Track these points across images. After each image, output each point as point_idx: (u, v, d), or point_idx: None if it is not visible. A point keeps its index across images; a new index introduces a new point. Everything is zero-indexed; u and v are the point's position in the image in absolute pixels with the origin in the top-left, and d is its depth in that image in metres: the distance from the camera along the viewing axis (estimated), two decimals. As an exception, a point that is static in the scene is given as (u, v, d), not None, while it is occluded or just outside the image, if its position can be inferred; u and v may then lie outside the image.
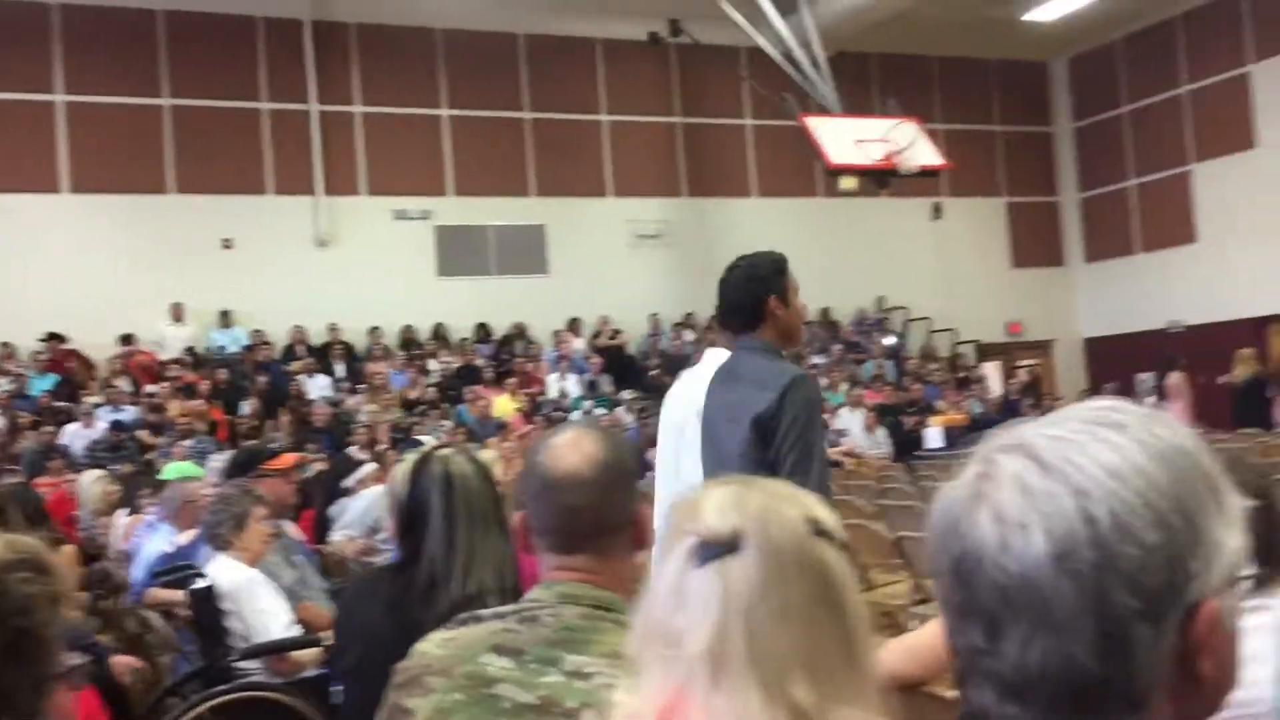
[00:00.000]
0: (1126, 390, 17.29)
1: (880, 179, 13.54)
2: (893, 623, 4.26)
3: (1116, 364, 17.96)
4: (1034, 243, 19.46)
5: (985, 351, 18.15)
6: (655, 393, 15.51)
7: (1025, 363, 18.63)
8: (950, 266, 18.27)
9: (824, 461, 2.97)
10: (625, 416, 13.87)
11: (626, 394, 14.76)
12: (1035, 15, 16.96)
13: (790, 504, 1.06)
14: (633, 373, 15.79)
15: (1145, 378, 17.31)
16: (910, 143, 13.35)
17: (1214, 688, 0.79)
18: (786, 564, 1.00)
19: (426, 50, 16.11)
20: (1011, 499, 0.79)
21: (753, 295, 3.19)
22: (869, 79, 17.62)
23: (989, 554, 0.79)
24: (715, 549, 1.00)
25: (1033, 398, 16.62)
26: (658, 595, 1.02)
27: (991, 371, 17.55)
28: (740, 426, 2.95)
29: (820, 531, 1.04)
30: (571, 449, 1.60)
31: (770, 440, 2.91)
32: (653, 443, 14.03)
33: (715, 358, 3.48)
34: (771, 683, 0.96)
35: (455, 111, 16.25)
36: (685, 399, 3.52)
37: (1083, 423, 0.82)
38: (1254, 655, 1.73)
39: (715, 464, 3.07)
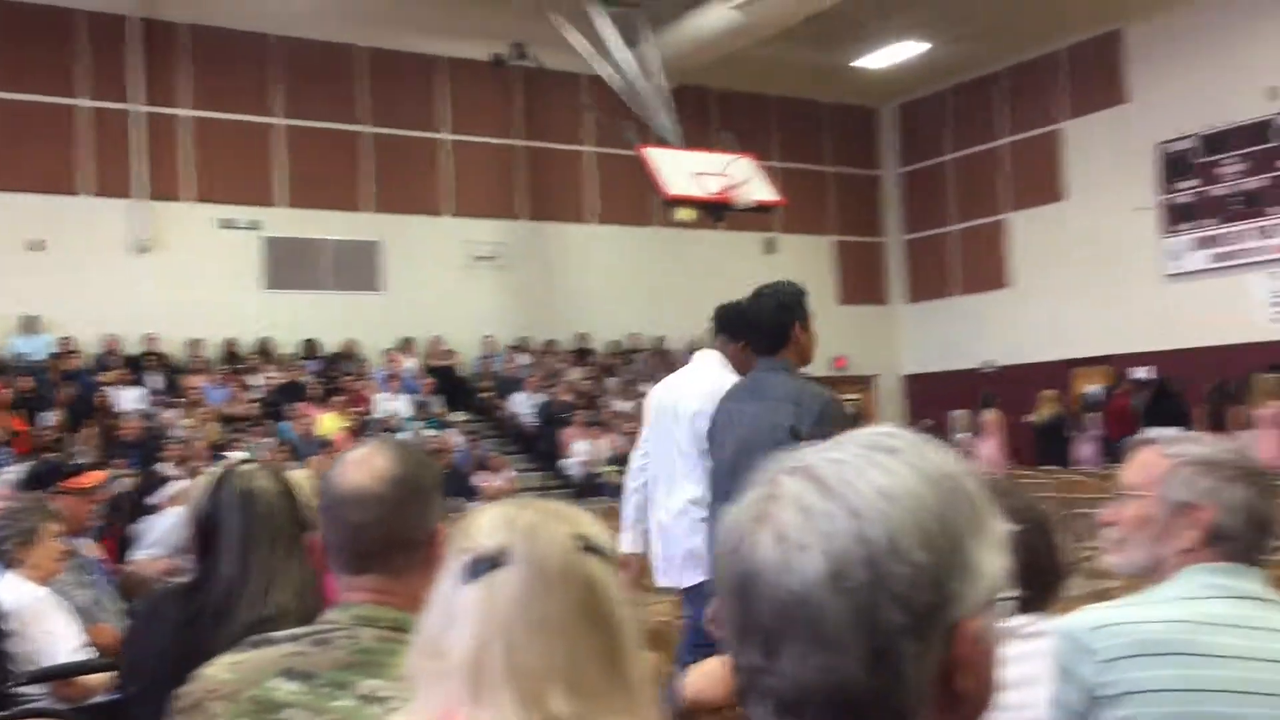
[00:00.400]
0: (941, 426, 18.06)
1: (716, 212, 13.82)
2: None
3: (933, 400, 18.72)
4: (860, 281, 20.17)
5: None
6: (486, 415, 15.41)
7: (849, 397, 19.24)
8: (781, 300, 18.74)
9: None
10: (455, 438, 13.69)
11: (457, 415, 14.58)
12: (866, 63, 17.66)
13: (560, 520, 1.07)
14: (464, 394, 15.62)
15: (960, 414, 18.11)
16: (746, 178, 13.68)
17: (974, 703, 0.82)
18: (550, 578, 1.02)
19: (261, 56, 15.67)
20: (793, 519, 0.80)
21: (781, 321, 3.51)
22: (708, 114, 18.00)
23: (770, 573, 0.80)
24: (482, 565, 1.02)
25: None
26: (431, 613, 1.03)
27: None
28: (774, 438, 3.00)
29: (589, 547, 1.05)
30: (360, 465, 1.56)
31: None
32: (482, 465, 13.90)
33: (705, 359, 4.13)
34: (528, 695, 0.97)
35: (289, 121, 15.84)
36: (671, 396, 4.12)
37: (861, 447, 0.84)
38: (1029, 678, 1.80)
39: (735, 469, 3.26)
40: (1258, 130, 15.37)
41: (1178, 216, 16.33)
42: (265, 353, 14.95)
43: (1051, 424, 14.43)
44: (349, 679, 1.45)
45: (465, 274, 16.67)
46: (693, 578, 3.94)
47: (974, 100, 19.10)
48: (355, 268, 15.96)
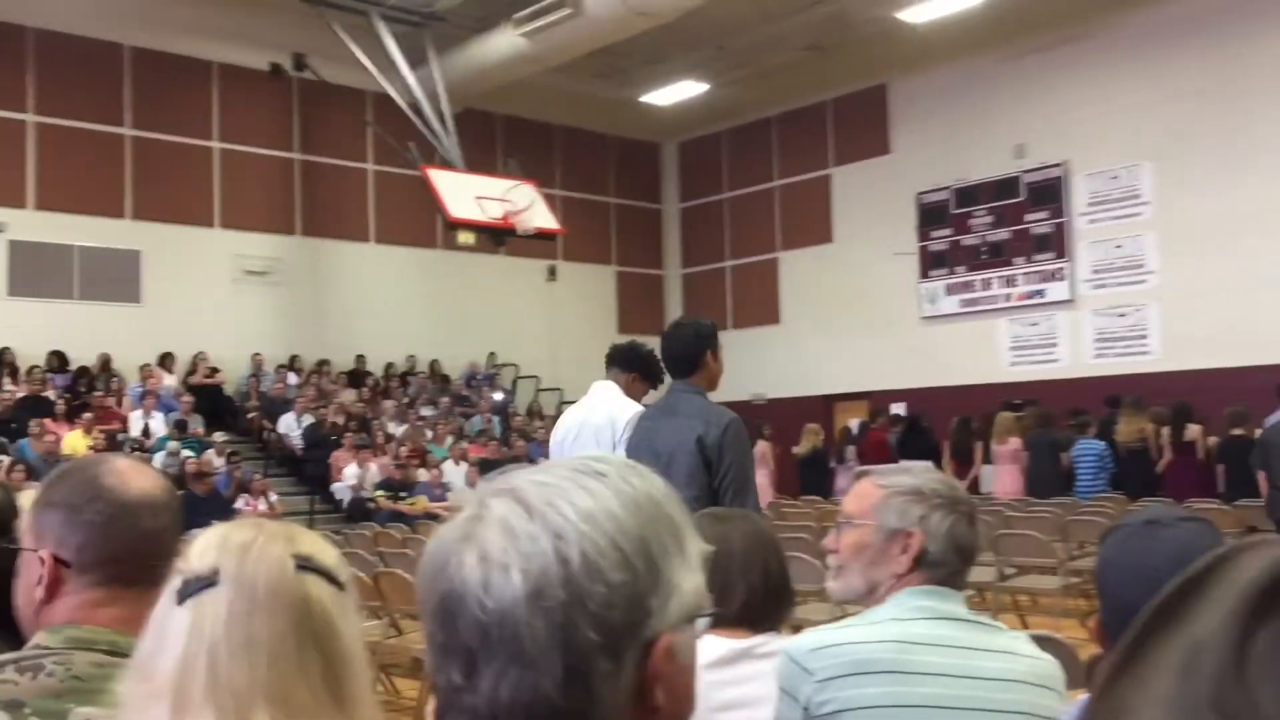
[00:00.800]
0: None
1: (498, 237, 13.80)
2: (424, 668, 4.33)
3: (706, 430, 19.19)
4: (639, 311, 20.53)
5: (589, 412, 18.81)
6: (251, 436, 14.80)
7: (625, 425, 19.52)
8: (561, 328, 18.88)
9: (755, 486, 3.86)
10: (216, 460, 13.09)
11: (219, 436, 13.94)
12: (650, 99, 18.08)
13: (279, 540, 1.06)
14: (228, 414, 14.96)
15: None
16: (529, 205, 13.73)
17: (668, 717, 0.85)
18: (258, 598, 1.01)
19: (16, 49, 14.65)
20: (497, 540, 0.82)
21: (697, 349, 4.02)
22: (493, 138, 18.00)
23: (472, 593, 0.82)
24: (192, 586, 1.01)
25: (629, 458, 17.39)
26: (146, 636, 1.01)
27: (593, 432, 18.21)
28: (685, 448, 3.75)
29: (307, 566, 1.04)
30: (138, 473, 1.49)
31: (713, 466, 3.74)
32: (244, 488, 13.26)
33: (604, 389, 4.74)
34: (231, 715, 0.96)
35: (44, 119, 14.85)
36: (575, 421, 4.71)
37: (570, 471, 0.87)
38: (761, 697, 1.89)
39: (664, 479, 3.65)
40: (1005, 186, 16.59)
41: (933, 263, 17.42)
42: (6, 364, 13.90)
43: (814, 456, 15.04)
44: (62, 707, 1.37)
45: (234, 289, 16.02)
46: None
47: (750, 142, 19.84)
48: (112, 277, 15.05)
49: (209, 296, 15.63)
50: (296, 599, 1.03)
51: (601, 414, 4.65)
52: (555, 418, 18.16)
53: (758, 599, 1.99)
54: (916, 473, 1.96)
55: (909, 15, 14.93)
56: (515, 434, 16.44)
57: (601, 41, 15.01)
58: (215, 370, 15.26)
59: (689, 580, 0.88)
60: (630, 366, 4.83)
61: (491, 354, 18.32)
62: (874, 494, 1.93)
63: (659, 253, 21.26)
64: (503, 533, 0.82)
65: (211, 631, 0.99)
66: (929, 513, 1.89)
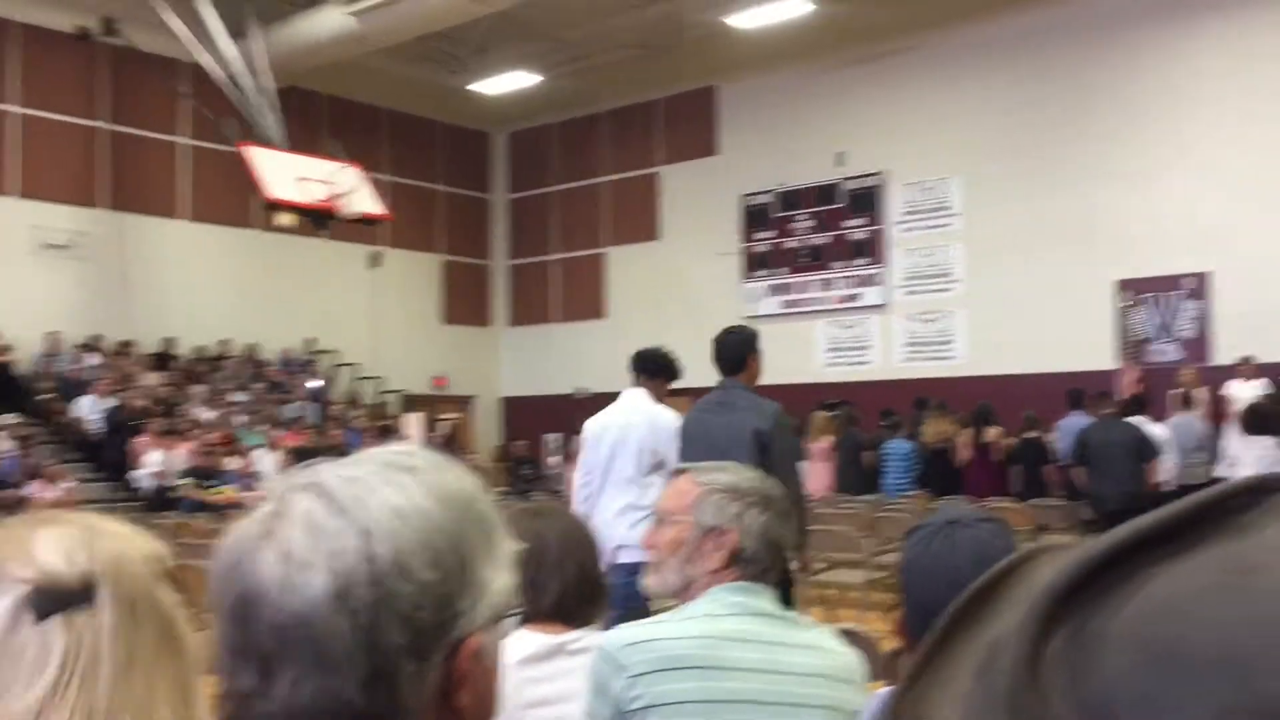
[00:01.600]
0: (535, 448, 18.52)
1: (319, 220, 13.41)
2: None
3: (529, 423, 19.17)
4: (465, 301, 20.32)
5: (410, 402, 18.53)
6: (45, 419, 13.95)
7: (447, 416, 19.28)
8: (383, 315, 18.50)
9: (798, 466, 4.76)
10: (4, 443, 12.29)
11: (8, 418, 13.10)
12: (480, 88, 17.89)
13: (135, 544, 0.97)
14: (19, 394, 14.07)
15: (553, 437, 18.66)
16: (353, 188, 13.39)
17: (471, 719, 0.83)
18: (138, 612, 0.92)
19: None
20: (299, 537, 0.78)
21: (742, 351, 5.02)
22: (318, 118, 17.47)
23: (270, 593, 0.78)
24: (61, 600, 0.89)
25: (451, 450, 17.23)
26: None
27: (414, 422, 17.93)
28: (742, 439, 4.54)
29: (160, 572, 0.97)
30: None
31: (767, 450, 4.51)
32: (36, 474, 12.55)
33: (633, 396, 5.43)
34: None
35: None
36: (616, 423, 5.30)
37: (378, 465, 0.83)
38: (572, 693, 1.88)
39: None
40: (826, 192, 17.12)
41: (756, 264, 17.83)
42: None
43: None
44: None
45: (31, 261, 15.06)
46: (623, 557, 4.84)
47: (581, 136, 19.87)
48: (-109, 245, 13.96)
49: (3, 269, 14.66)
50: (164, 610, 0.95)
51: (639, 426, 5.28)
52: (374, 406, 17.98)
53: (572, 595, 1.98)
54: (733, 470, 2.00)
55: (738, 21, 15.22)
56: (332, 422, 16.01)
57: (434, 26, 14.76)
58: (7, 348, 14.32)
59: (498, 579, 0.86)
60: (656, 374, 5.58)
61: (309, 340, 17.80)
62: (691, 491, 1.95)
63: (486, 243, 21.07)
64: (306, 529, 0.79)
65: (91, 652, 0.88)
66: (744, 510, 1.92)
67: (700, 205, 18.24)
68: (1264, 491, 0.51)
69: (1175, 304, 14.15)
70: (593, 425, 5.44)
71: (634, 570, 4.62)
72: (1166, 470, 9.76)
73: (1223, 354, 13.35)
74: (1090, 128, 14.57)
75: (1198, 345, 13.92)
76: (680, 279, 18.31)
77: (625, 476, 5.25)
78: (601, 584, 2.08)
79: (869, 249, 16.74)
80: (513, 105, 18.76)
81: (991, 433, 12.38)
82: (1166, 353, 14.13)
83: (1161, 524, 0.51)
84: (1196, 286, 13.96)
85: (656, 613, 1.97)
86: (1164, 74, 14.11)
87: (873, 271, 16.69)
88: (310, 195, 12.96)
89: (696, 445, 4.78)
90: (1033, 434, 11.89)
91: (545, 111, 19.46)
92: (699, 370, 18.93)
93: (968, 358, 15.54)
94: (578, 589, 1.98)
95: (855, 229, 16.85)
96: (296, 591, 0.77)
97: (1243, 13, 13.57)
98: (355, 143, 15.69)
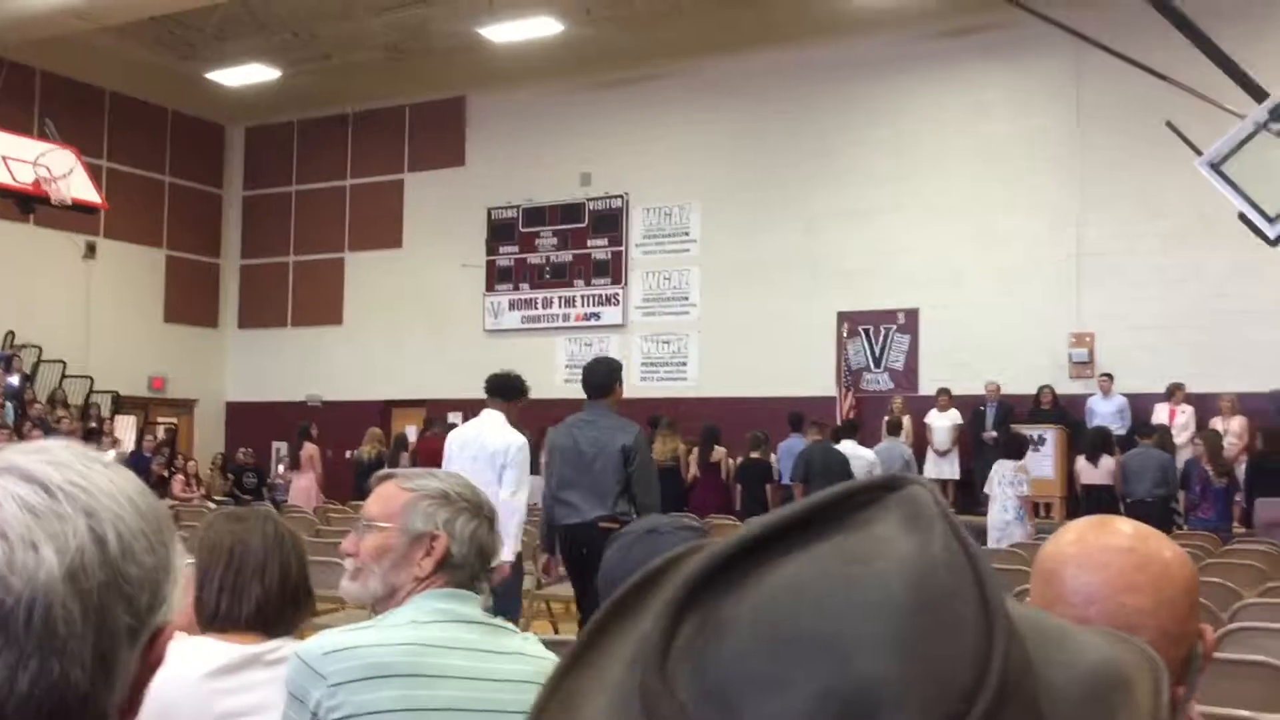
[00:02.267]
0: (262, 456, 17.76)
1: (26, 204, 12.43)
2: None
3: (256, 430, 18.36)
4: (190, 300, 19.27)
5: (123, 404, 17.36)
6: None
7: (164, 420, 18.20)
8: (98, 311, 17.30)
9: (656, 476, 5.86)
10: None
11: None
12: (217, 77, 17.06)
13: None
14: None
15: (280, 445, 17.95)
16: (67, 172, 12.48)
17: (132, 712, 0.81)
18: None
19: None
20: (17, 518, 0.74)
21: (610, 379, 5.84)
22: (31, 96, 16.20)
23: None
24: None
25: (166, 455, 16.27)
26: None
27: (126, 425, 16.82)
28: (611, 453, 5.53)
29: None
30: None
31: (629, 462, 5.51)
32: None
33: (489, 415, 6.10)
34: None
35: None
36: (474, 439, 6.05)
37: (66, 452, 0.81)
38: (264, 706, 1.82)
39: (586, 476, 5.59)
40: (571, 210, 17.33)
41: (499, 277, 17.82)
42: None
43: (373, 462, 14.81)
44: None
45: None
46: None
47: (324, 136, 19.28)
48: None
49: None
50: None
51: (493, 441, 5.94)
52: (83, 408, 16.72)
53: (273, 602, 1.91)
54: (442, 477, 1.98)
55: (489, 33, 15.22)
56: (31, 423, 14.78)
57: (166, 8, 13.99)
58: None
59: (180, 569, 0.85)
60: (509, 396, 6.16)
61: (9, 333, 16.39)
62: (399, 496, 1.92)
63: (217, 240, 20.07)
64: (22, 509, 0.74)
65: None
66: (454, 516, 1.91)
67: (445, 215, 18.07)
68: (887, 489, 0.57)
69: (888, 337, 15.16)
70: (455, 438, 6.24)
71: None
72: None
73: (926, 385, 14.41)
74: (821, 167, 15.43)
75: (906, 376, 14.96)
76: (423, 289, 18.06)
77: (483, 485, 5.88)
78: (307, 590, 2.02)
79: (610, 269, 17.06)
80: (252, 98, 17.99)
81: (718, 452, 12.84)
82: (879, 382, 15.12)
83: (791, 518, 0.55)
84: (906, 321, 15.02)
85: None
86: (893, 121, 15.13)
87: (613, 291, 17.02)
88: (17, 177, 11.98)
89: (567, 457, 5.63)
90: (756, 455, 12.42)
91: (287, 108, 18.77)
92: (439, 383, 18.78)
93: (700, 380, 16.09)
94: (279, 596, 1.92)
95: (597, 248, 17.14)
96: (22, 572, 0.72)
97: (971, 69, 14.74)
98: (73, 124, 14.63)
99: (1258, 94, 10.14)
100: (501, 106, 17.69)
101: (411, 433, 15.92)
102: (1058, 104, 14.17)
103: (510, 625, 1.97)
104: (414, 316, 18.04)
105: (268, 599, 1.90)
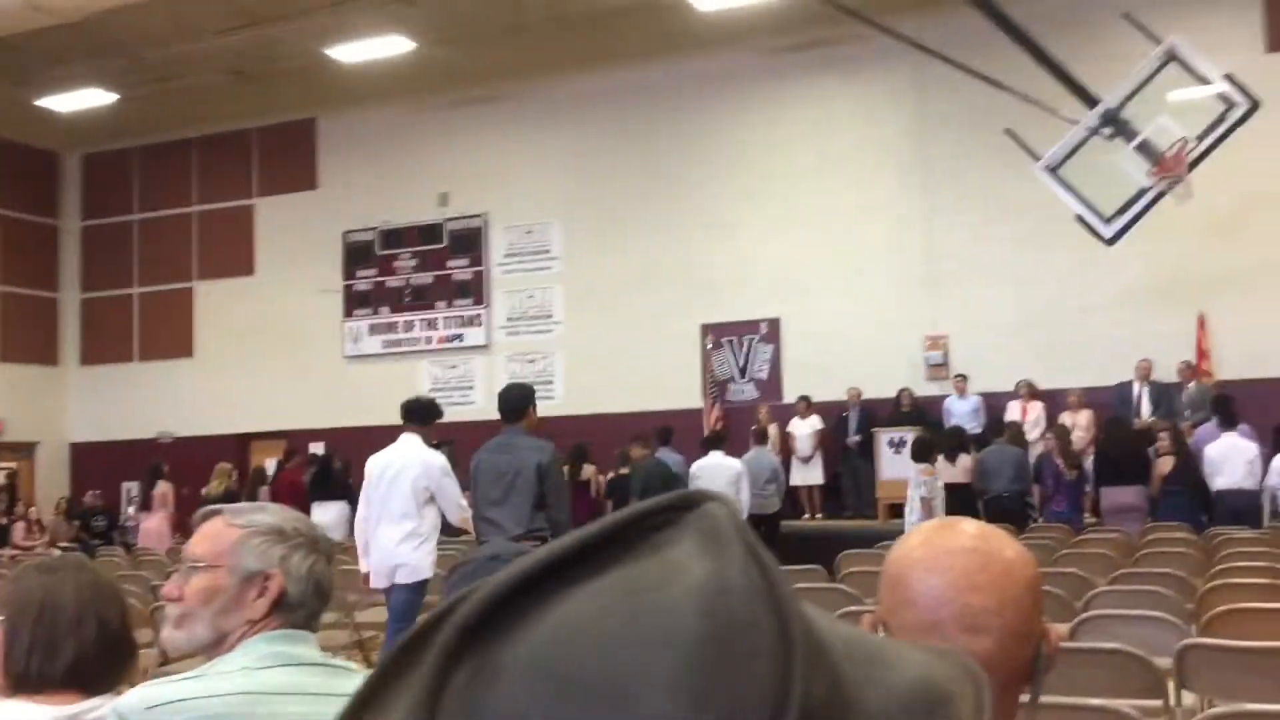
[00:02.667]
0: (112, 497, 16.96)
1: None
2: None
3: (104, 471, 17.56)
4: (27, 338, 18.32)
5: (-44, 450, 16.39)
6: None
7: (3, 465, 17.24)
8: (-75, 352, 16.31)
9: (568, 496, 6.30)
10: None
11: None
12: (48, 103, 16.29)
13: None
14: None
15: (130, 486, 17.18)
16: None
17: None
18: None
19: None
20: None
21: (524, 404, 6.12)
22: None
23: None
24: None
25: (6, 501, 15.42)
26: None
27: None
28: (527, 472, 5.78)
29: None
30: None
31: (543, 482, 5.79)
32: None
33: (407, 440, 6.40)
34: None
35: None
36: (394, 463, 6.32)
37: None
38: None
39: (506, 495, 5.84)
40: (430, 231, 17.07)
41: (358, 302, 17.43)
42: None
43: (224, 497, 14.27)
44: None
45: None
46: (401, 577, 6.30)
47: (166, 162, 18.59)
48: None
49: None
50: None
51: (412, 465, 6.30)
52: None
53: (90, 657, 1.75)
54: (273, 511, 1.85)
55: (337, 53, 14.89)
56: None
57: (-11, 30, 13.28)
58: None
59: None
60: (425, 420, 6.54)
61: None
62: (229, 534, 1.78)
63: (54, 273, 19.14)
64: None
65: None
66: (290, 553, 1.78)
67: (299, 240, 17.60)
68: (684, 509, 0.51)
69: (752, 347, 15.34)
70: (374, 464, 6.43)
71: (415, 588, 6.25)
72: (744, 501, 10.52)
73: (790, 394, 14.61)
74: (676, 181, 15.55)
75: (771, 385, 15.15)
76: (278, 316, 17.54)
77: (402, 510, 6.29)
78: (129, 643, 1.86)
79: (472, 289, 16.86)
80: (87, 125, 17.21)
81: (588, 470, 12.77)
82: (745, 392, 15.28)
83: (577, 546, 0.49)
84: (769, 331, 15.22)
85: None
86: (751, 133, 15.34)
87: (475, 312, 16.82)
88: None
89: (488, 477, 5.91)
90: (625, 470, 12.39)
91: (126, 134, 18.04)
92: (299, 413, 18.37)
93: (567, 397, 16.00)
94: (97, 651, 1.76)
95: (458, 269, 16.92)
96: None
97: (823, 83, 15.05)
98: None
99: (1090, 101, 10.63)
100: (354, 128, 17.34)
101: (271, 465, 15.41)
102: (901, 113, 14.58)
103: (351, 665, 1.85)
104: (270, 345, 17.51)
105: (84, 655, 1.75)
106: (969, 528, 1.26)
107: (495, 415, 17.25)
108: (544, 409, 16.22)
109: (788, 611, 0.46)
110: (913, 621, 1.18)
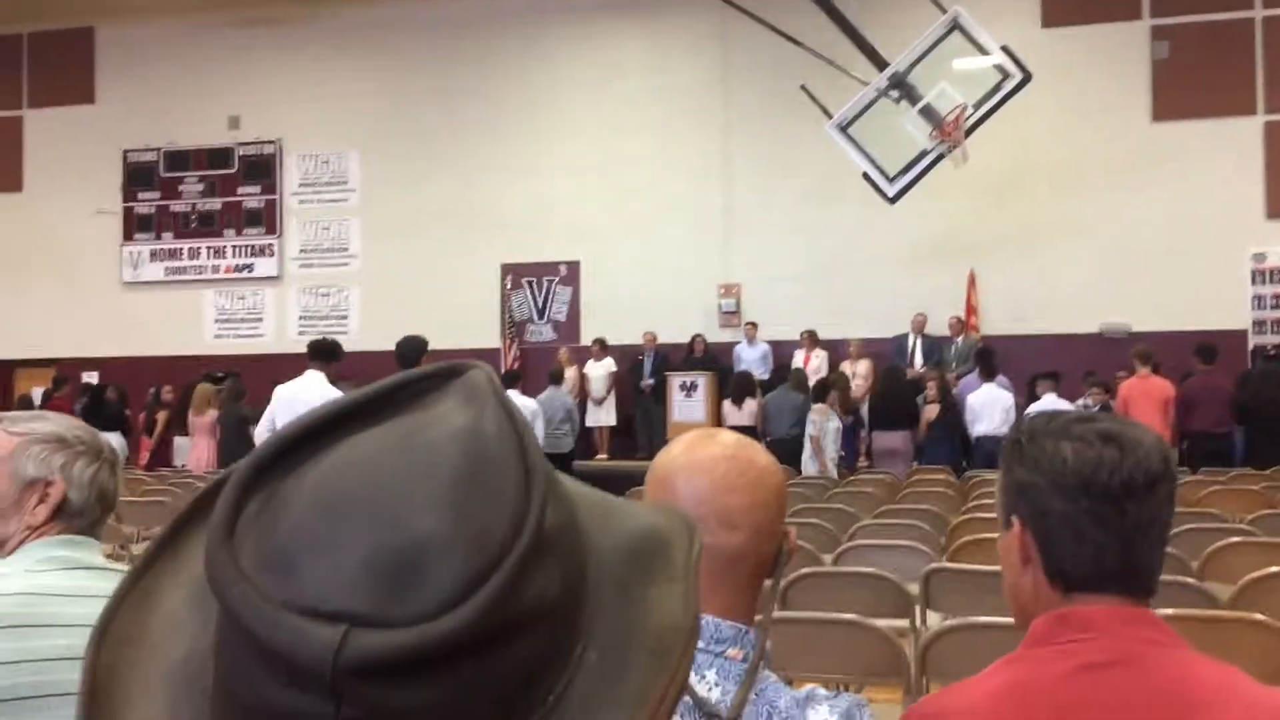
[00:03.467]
0: None
1: None
2: None
3: None
4: None
5: None
6: None
7: None
8: None
9: None
10: None
11: None
12: None
13: None
14: None
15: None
16: None
17: None
18: None
19: None
20: None
21: (419, 353, 6.88)
22: None
23: None
24: None
25: None
26: None
27: None
28: None
29: None
30: None
31: None
32: None
33: (313, 374, 6.81)
34: None
35: None
36: (301, 397, 6.57)
37: None
38: None
39: None
40: (219, 155, 16.33)
41: (139, 226, 16.56)
42: None
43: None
44: None
45: None
46: None
47: (-76, 65, 17.09)
48: None
49: None
50: None
51: (318, 396, 6.39)
52: None
53: None
54: (54, 419, 1.85)
55: (123, -41, 14.02)
56: None
57: None
58: None
59: None
60: (328, 358, 6.91)
61: None
62: (6, 442, 1.77)
63: None
64: None
65: None
66: (71, 460, 1.79)
67: (74, 157, 16.55)
68: (450, 376, 0.63)
69: (551, 289, 15.43)
70: (284, 391, 6.79)
71: None
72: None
73: (588, 336, 14.81)
74: (477, 119, 15.39)
75: (569, 328, 15.31)
76: (49, 237, 16.50)
77: None
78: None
79: (264, 218, 16.28)
80: None
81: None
82: (543, 333, 15.38)
83: (357, 402, 0.60)
84: (568, 274, 15.35)
85: None
86: (546, 76, 15.30)
87: (267, 242, 16.26)
88: None
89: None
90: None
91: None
92: (72, 340, 17.43)
93: (362, 333, 15.72)
94: None
95: (249, 196, 16.30)
96: None
97: (621, 28, 15.11)
98: None
99: (880, 63, 11.11)
100: (136, 41, 16.36)
101: (38, 394, 14.57)
102: (702, 62, 14.83)
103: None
104: (39, 267, 16.47)
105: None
106: (727, 438, 1.40)
107: (287, 348, 16.81)
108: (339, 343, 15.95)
109: (531, 455, 0.57)
110: (677, 515, 1.32)
